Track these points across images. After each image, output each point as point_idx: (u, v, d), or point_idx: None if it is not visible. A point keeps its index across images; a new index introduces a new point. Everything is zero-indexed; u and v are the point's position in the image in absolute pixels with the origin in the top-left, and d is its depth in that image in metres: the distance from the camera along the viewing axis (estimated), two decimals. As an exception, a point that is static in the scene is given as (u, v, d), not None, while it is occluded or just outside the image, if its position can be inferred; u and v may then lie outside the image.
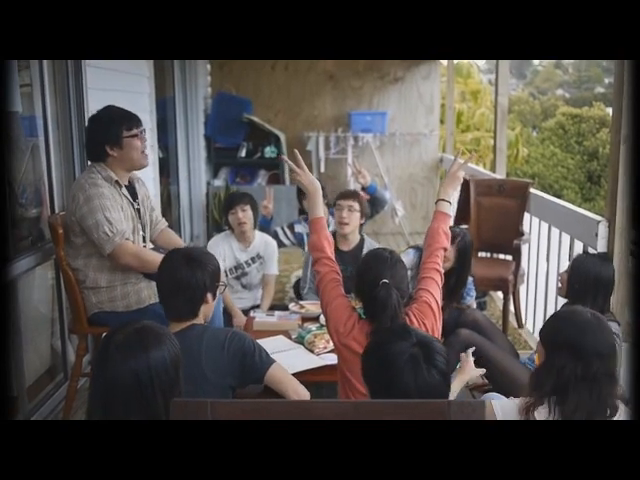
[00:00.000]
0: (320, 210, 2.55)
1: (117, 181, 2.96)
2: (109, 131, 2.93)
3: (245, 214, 3.98)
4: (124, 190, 3.00)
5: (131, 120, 2.99)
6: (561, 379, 1.81)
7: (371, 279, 2.28)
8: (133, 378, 1.58)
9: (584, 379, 1.79)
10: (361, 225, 3.88)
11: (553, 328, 1.94)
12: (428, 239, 2.55)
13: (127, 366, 1.59)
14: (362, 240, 3.88)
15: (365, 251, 3.75)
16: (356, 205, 3.78)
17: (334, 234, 3.87)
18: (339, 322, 2.35)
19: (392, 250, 2.51)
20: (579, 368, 1.80)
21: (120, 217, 2.90)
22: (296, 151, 2.68)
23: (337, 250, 3.80)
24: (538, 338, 2.03)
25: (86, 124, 3.02)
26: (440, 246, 2.51)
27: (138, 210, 3.09)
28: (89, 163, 3.10)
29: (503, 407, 1.90)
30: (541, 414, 1.82)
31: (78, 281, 3.00)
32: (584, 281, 2.74)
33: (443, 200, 2.62)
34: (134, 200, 3.06)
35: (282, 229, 4.41)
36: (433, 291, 2.39)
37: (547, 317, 4.11)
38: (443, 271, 2.49)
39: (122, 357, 1.60)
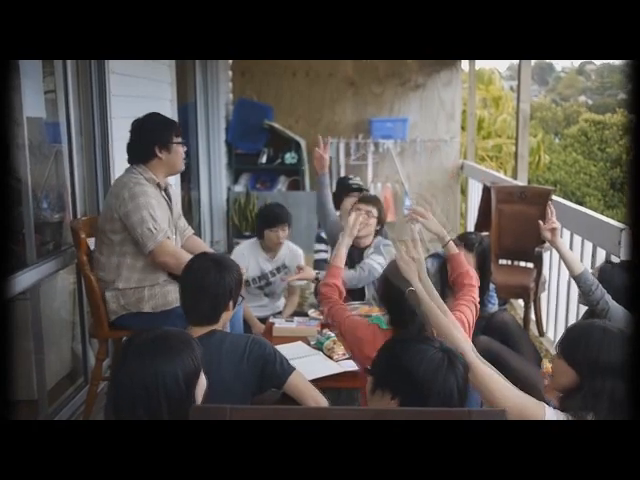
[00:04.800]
0: (338, 259, 2.68)
1: (158, 183, 3.04)
2: (161, 134, 3.04)
3: (285, 234, 3.99)
4: (163, 193, 3.10)
5: (178, 127, 3.14)
6: (611, 404, 1.76)
7: (397, 287, 2.26)
8: (140, 384, 1.58)
9: (621, 399, 1.74)
10: (377, 231, 3.86)
11: (590, 351, 1.85)
12: (459, 279, 2.55)
13: (136, 372, 1.59)
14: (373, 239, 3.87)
15: (374, 249, 3.76)
16: (375, 211, 3.77)
17: None
18: (358, 337, 2.36)
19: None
20: (617, 391, 1.75)
21: (162, 216, 2.98)
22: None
23: (352, 247, 3.84)
24: (559, 353, 1.97)
25: (130, 128, 3.08)
26: (474, 284, 2.52)
27: (173, 214, 3.17)
28: (127, 166, 3.12)
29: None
30: None
31: (107, 283, 3.02)
32: (614, 293, 2.67)
33: (449, 242, 2.68)
34: (171, 202, 3.15)
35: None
36: (466, 314, 2.36)
37: (569, 326, 4.10)
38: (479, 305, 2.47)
39: (134, 362, 1.61)
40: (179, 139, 3.08)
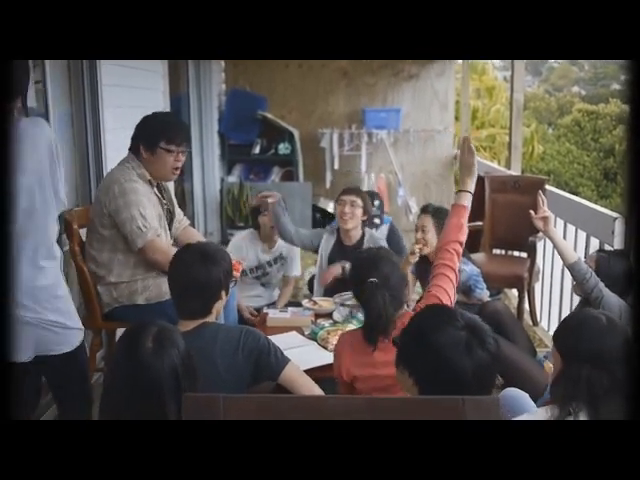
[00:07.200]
0: None
1: (150, 180, 3.00)
2: (149, 134, 2.97)
3: None
4: (155, 189, 3.05)
5: (175, 136, 2.98)
6: (590, 392, 1.72)
7: (358, 279, 2.30)
8: (126, 381, 1.63)
9: (612, 389, 1.70)
10: (363, 221, 3.82)
11: (569, 337, 1.84)
12: (441, 236, 2.44)
13: (123, 367, 1.64)
14: (363, 235, 3.83)
15: (366, 245, 3.72)
16: (358, 201, 3.71)
17: (338, 229, 3.85)
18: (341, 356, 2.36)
19: (380, 248, 2.50)
20: (605, 379, 1.71)
21: (152, 214, 2.94)
22: None
23: (340, 245, 3.79)
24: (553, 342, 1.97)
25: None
26: (451, 239, 2.34)
27: (168, 210, 3.14)
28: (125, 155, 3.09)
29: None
30: None
31: (99, 277, 3.01)
32: (614, 281, 2.67)
33: (463, 191, 2.41)
34: (163, 199, 3.11)
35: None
36: (445, 286, 2.28)
37: (562, 315, 4.12)
38: (458, 267, 2.35)
39: (123, 358, 1.65)
40: (168, 147, 2.96)
